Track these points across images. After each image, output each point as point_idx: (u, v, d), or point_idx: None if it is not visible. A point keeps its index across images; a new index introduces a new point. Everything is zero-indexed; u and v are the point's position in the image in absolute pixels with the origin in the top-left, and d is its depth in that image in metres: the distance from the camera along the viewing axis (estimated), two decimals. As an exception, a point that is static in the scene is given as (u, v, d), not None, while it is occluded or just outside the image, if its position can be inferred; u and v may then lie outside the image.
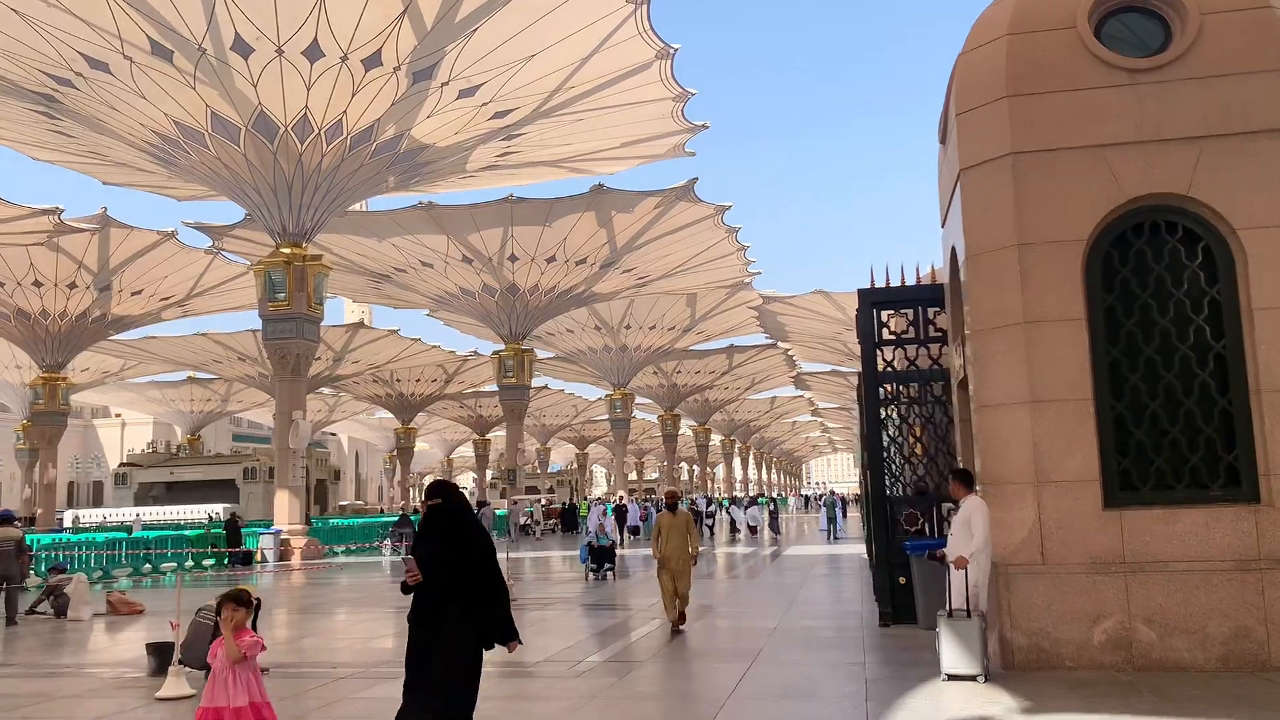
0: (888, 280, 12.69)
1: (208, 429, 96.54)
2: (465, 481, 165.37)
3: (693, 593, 16.85)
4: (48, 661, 11.61)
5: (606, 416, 78.97)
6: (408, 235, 44.30)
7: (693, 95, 33.99)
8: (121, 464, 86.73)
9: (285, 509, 32.01)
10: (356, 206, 48.39)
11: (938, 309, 12.44)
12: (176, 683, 8.60)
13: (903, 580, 12.13)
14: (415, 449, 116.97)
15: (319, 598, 19.50)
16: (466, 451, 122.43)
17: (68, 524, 59.24)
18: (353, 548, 35.50)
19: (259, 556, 30.31)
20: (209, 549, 28.93)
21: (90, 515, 67.14)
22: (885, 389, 12.69)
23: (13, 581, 15.19)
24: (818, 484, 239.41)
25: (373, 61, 28.20)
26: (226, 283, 51.17)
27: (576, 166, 40.44)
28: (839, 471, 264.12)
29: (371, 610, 16.49)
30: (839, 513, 37.73)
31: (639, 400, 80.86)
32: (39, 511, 53.61)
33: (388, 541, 33.02)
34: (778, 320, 65.68)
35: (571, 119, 33.91)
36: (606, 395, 73.22)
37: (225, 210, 67.55)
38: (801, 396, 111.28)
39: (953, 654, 8.52)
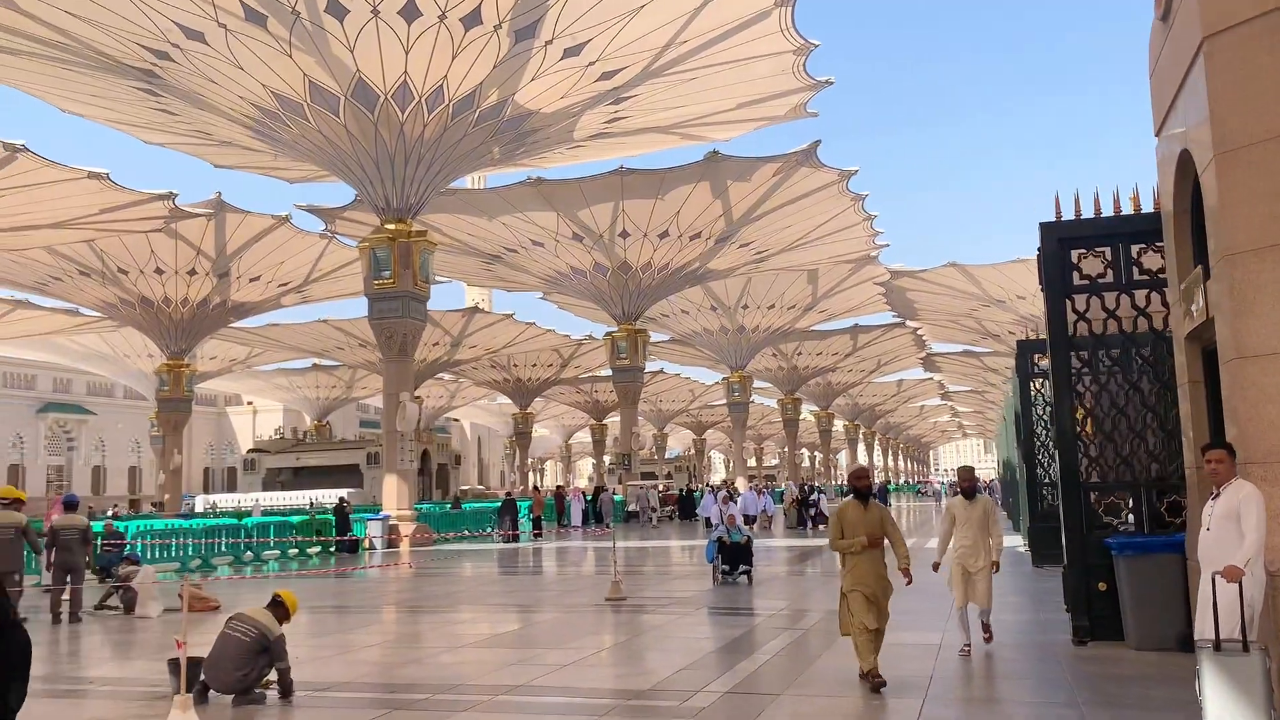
0: (1077, 210, 10.12)
1: (335, 415, 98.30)
2: (584, 467, 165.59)
3: (825, 593, 14.61)
4: (76, 673, 10.16)
5: (724, 401, 76.63)
6: (517, 213, 42.87)
7: (815, 47, 31.31)
8: (249, 450, 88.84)
9: (394, 493, 30.89)
10: (468, 183, 47.36)
11: (1143, 245, 9.85)
12: (182, 714, 6.81)
13: (1103, 586, 9.64)
14: (534, 434, 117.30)
15: (414, 592, 17.91)
16: (585, 437, 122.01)
17: (199, 509, 60.59)
18: (465, 534, 34.25)
19: (366, 544, 29.22)
20: (314, 536, 27.91)
21: (226, 499, 68.95)
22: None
23: (78, 574, 13.98)
24: (944, 470, 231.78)
25: (472, 20, 26.54)
26: (342, 267, 50.81)
27: (689, 132, 38.19)
28: (968, 457, 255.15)
29: (462, 611, 14.73)
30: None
31: (757, 384, 78.28)
32: (166, 497, 54.49)
33: (490, 530, 31.48)
34: (906, 297, 62.16)
35: (683, 78, 31.67)
36: (724, 378, 70.91)
37: (336, 192, 67.54)
38: (930, 379, 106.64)
39: (1223, 703, 6.07)
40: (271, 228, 46.39)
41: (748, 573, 16.48)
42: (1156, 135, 8.90)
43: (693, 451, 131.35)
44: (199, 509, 61.21)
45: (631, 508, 45.07)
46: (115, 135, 34.32)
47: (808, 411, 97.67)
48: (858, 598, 8.24)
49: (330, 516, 28.76)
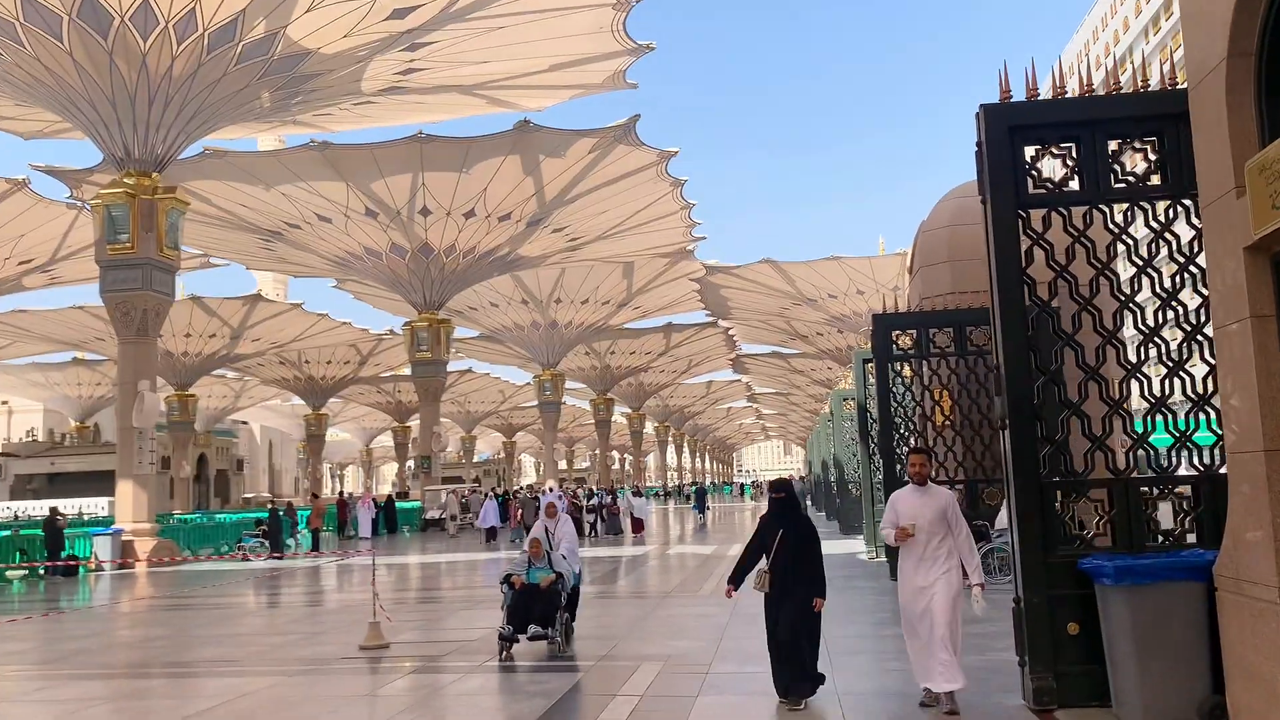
0: (1031, 89, 7.06)
1: (102, 415, 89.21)
2: (388, 472, 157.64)
3: (652, 626, 11.04)
4: None
5: (535, 402, 73.38)
6: (299, 182, 37.77)
7: (636, 2, 28.22)
8: (-3, 455, 79.43)
9: (129, 503, 25.63)
10: (255, 145, 41.69)
11: (1124, 140, 6.93)
12: None
13: (1074, 628, 6.60)
14: (331, 437, 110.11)
15: (100, 639, 13.41)
16: (388, 441, 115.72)
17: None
18: (225, 548, 29.03)
19: (92, 565, 23.87)
20: (17, 556, 22.36)
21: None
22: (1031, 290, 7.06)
23: None
24: (748, 471, 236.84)
25: (229, -73, 21.92)
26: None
27: (497, 97, 34.39)
28: (769, 459, 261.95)
29: (148, 675, 10.51)
30: (808, 502, 32.28)
31: (570, 385, 75.30)
32: None
33: (245, 545, 26.43)
34: (720, 294, 60.59)
35: (489, 27, 27.88)
36: (535, 377, 67.50)
37: (85, 151, 60.07)
38: (739, 381, 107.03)
39: None
40: (7, 193, 39.55)
41: (545, 637, 9.69)
42: (1180, -48, 5.94)
43: (503, 455, 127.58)
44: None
45: (431, 514, 40.76)
46: None
47: (619, 414, 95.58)
48: None
49: (39, 532, 23.22)
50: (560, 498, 20.78)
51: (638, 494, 35.49)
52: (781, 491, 7.57)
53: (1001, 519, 14.65)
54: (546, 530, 10.36)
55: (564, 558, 10.05)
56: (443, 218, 40.39)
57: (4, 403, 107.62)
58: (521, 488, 62.86)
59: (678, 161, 40.66)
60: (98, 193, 26.87)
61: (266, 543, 26.02)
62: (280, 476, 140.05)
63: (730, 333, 75.15)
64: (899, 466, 15.93)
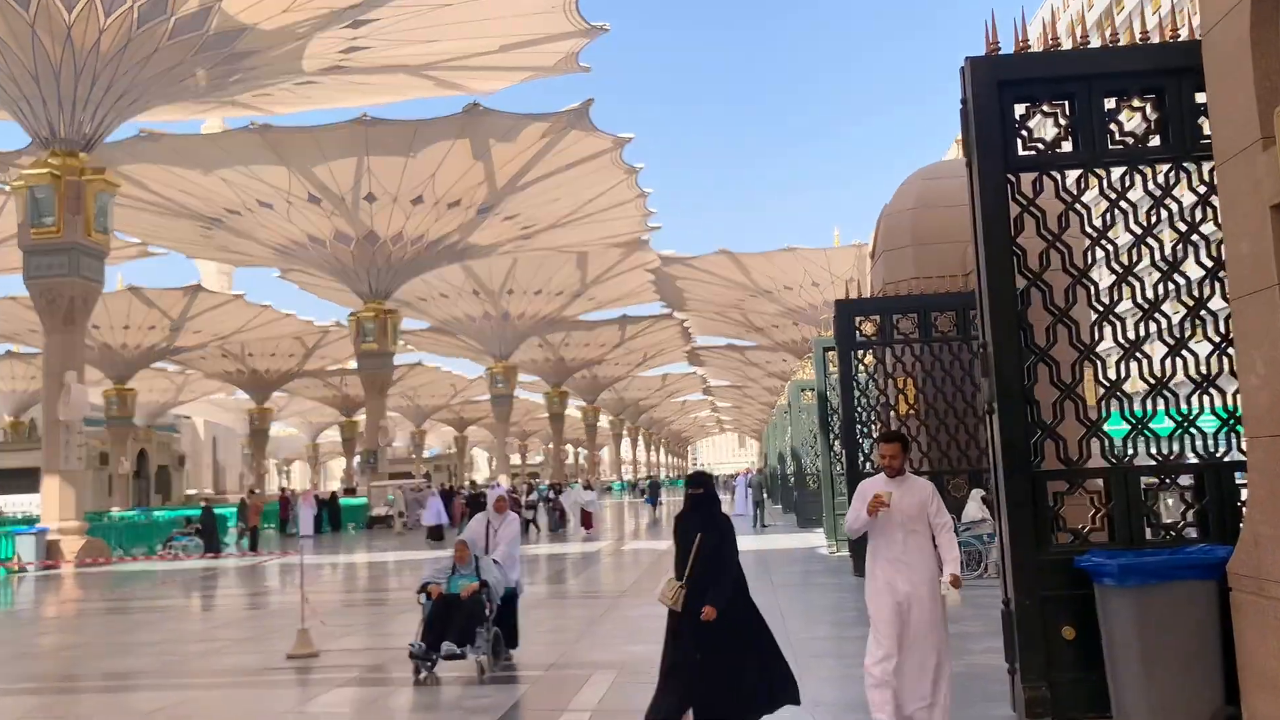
0: (1021, 41, 6.43)
1: (38, 410, 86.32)
2: (335, 468, 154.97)
3: (608, 630, 10.10)
4: None
5: (487, 395, 72.21)
6: (239, 167, 36.39)
7: (590, -21, 27.42)
8: (-80, 451, 76.46)
9: (55, 501, 24.35)
10: (199, 128, 40.17)
11: (1120, 97, 6.33)
12: None
13: (1070, 633, 6.00)
14: (276, 432, 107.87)
15: (7, 648, 12.47)
16: (335, 435, 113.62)
17: None
18: (173, 549, 27.70)
19: (15, 565, 22.64)
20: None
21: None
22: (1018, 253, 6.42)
23: None
24: (703, 464, 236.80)
25: (158, -108, 20.77)
26: (24, 229, 42.19)
27: (445, 78, 33.35)
28: (724, 452, 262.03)
29: (64, 689, 9.60)
30: (765, 495, 31.74)
31: (523, 377, 74.31)
32: None
33: (176, 544, 25.25)
34: (675, 285, 60.00)
35: (435, 3, 26.89)
36: (487, 369, 66.40)
37: (12, 133, 58.18)
38: (694, 373, 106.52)
39: None
40: (-74, 177, 37.67)
41: (461, 656, 8.27)
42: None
43: (453, 449, 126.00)
44: None
45: (378, 511, 39.71)
46: None
47: (574, 407, 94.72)
48: None
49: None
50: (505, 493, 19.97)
51: (588, 488, 34.78)
52: (700, 487, 6.51)
53: (969, 511, 14.14)
54: (489, 525, 9.44)
55: (496, 562, 8.87)
56: (389, 204, 39.25)
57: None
58: (463, 485, 61.02)
59: (632, 148, 40.00)
60: (19, 173, 25.54)
61: (200, 541, 24.90)
62: (224, 473, 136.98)
63: (686, 325, 74.70)
64: (861, 457, 15.43)
